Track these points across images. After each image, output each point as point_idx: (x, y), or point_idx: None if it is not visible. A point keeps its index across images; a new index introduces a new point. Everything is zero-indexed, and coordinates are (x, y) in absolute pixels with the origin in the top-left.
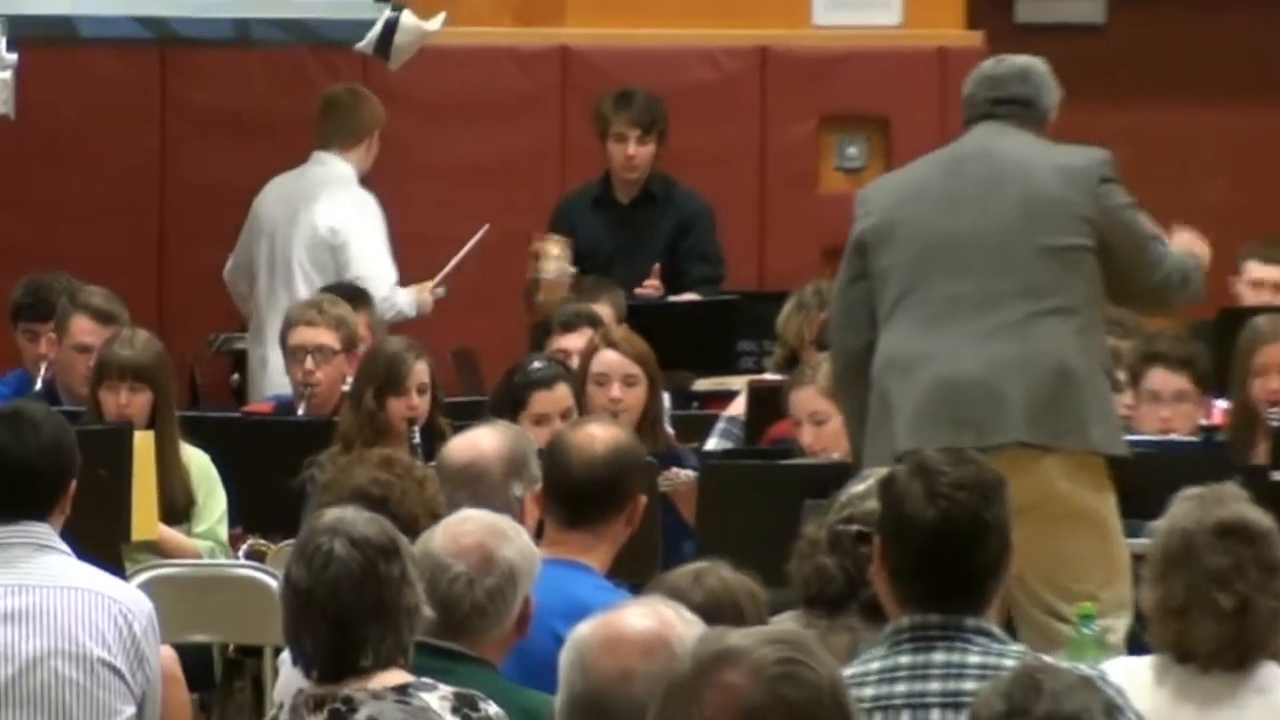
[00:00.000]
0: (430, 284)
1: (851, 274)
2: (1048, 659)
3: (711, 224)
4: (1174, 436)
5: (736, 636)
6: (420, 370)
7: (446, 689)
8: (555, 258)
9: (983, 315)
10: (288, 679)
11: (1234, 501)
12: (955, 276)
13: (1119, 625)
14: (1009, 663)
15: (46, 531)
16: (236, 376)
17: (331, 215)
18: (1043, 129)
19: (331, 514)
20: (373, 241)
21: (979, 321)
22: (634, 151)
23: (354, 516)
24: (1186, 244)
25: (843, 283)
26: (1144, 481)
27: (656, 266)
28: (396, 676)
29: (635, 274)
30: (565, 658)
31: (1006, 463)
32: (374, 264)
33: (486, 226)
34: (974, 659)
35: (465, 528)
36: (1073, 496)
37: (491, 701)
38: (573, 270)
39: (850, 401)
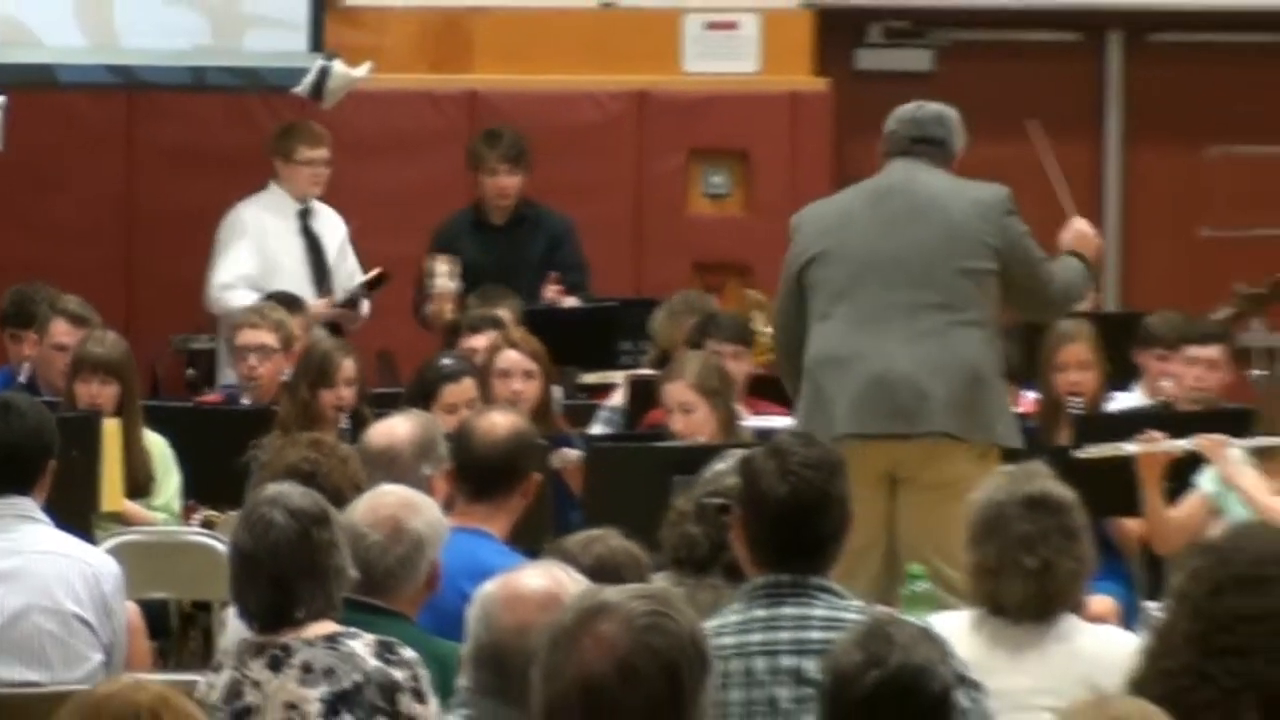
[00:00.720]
0: (325, 302)
1: (789, 289)
2: (883, 609)
3: (576, 238)
4: None
5: (610, 593)
6: (348, 366)
7: (370, 637)
8: (443, 274)
9: (909, 322)
10: (234, 630)
11: (1040, 478)
12: (884, 289)
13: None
14: (849, 615)
15: (29, 504)
16: (191, 371)
17: None
18: (950, 166)
19: (272, 488)
20: (219, 248)
21: (906, 327)
22: (505, 183)
23: (291, 490)
24: (1078, 236)
25: (783, 297)
26: None
27: (552, 275)
28: (326, 627)
29: (513, 285)
30: (471, 612)
31: (928, 448)
32: (213, 266)
33: (379, 269)
34: (819, 612)
35: (381, 501)
36: (976, 480)
37: (408, 647)
38: (454, 286)
39: (791, 380)
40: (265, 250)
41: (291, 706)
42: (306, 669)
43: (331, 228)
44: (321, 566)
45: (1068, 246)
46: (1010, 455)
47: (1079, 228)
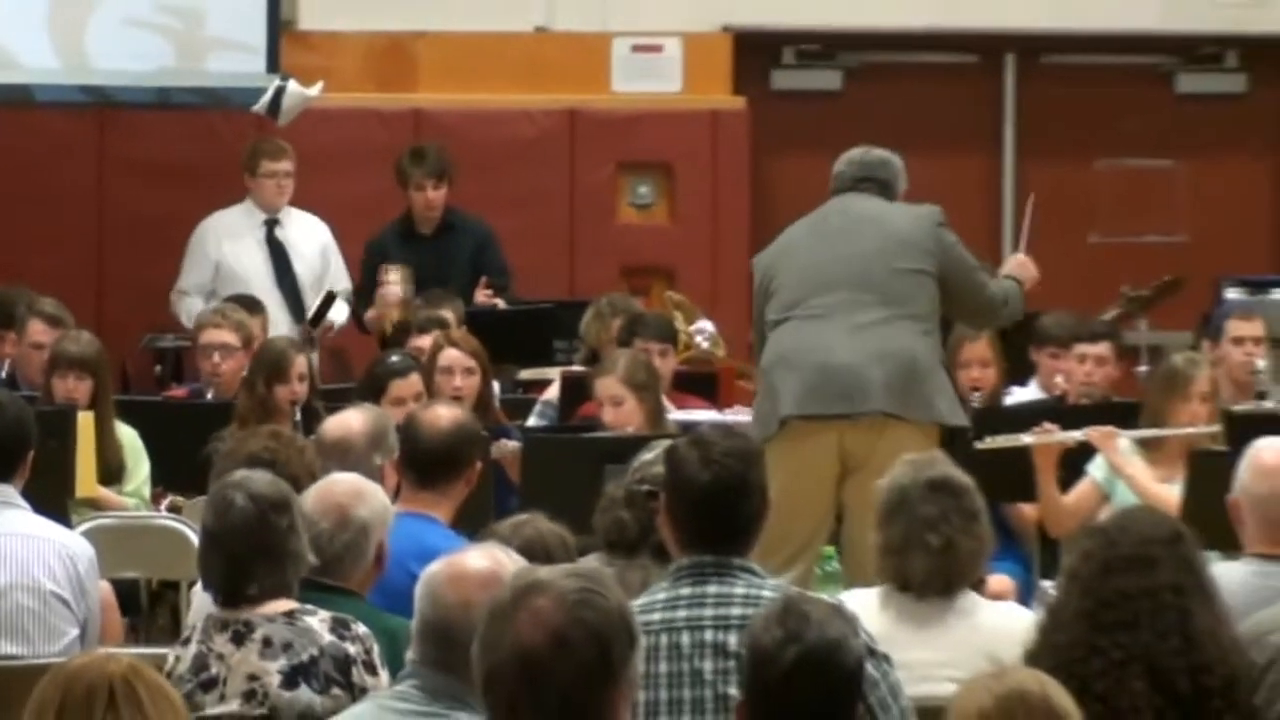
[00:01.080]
0: (303, 329)
1: (759, 319)
2: (798, 590)
3: (498, 244)
4: None
5: (544, 572)
6: (300, 362)
7: (325, 614)
8: (395, 282)
9: (849, 317)
10: (199, 606)
11: (940, 464)
12: (826, 292)
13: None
14: (767, 593)
15: (10, 491)
16: (159, 368)
17: None
18: (890, 199)
19: (241, 472)
20: (185, 257)
21: (846, 322)
22: (432, 196)
23: (257, 476)
24: (1018, 265)
25: (756, 325)
26: None
27: (483, 279)
28: (285, 604)
29: (445, 288)
30: (419, 590)
31: (871, 427)
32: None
33: (327, 290)
34: (740, 590)
35: (329, 490)
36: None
37: (360, 623)
38: (402, 293)
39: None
40: (223, 260)
41: (253, 678)
42: (267, 643)
43: (305, 235)
44: (277, 549)
45: (1007, 273)
46: (953, 438)
47: (1020, 259)
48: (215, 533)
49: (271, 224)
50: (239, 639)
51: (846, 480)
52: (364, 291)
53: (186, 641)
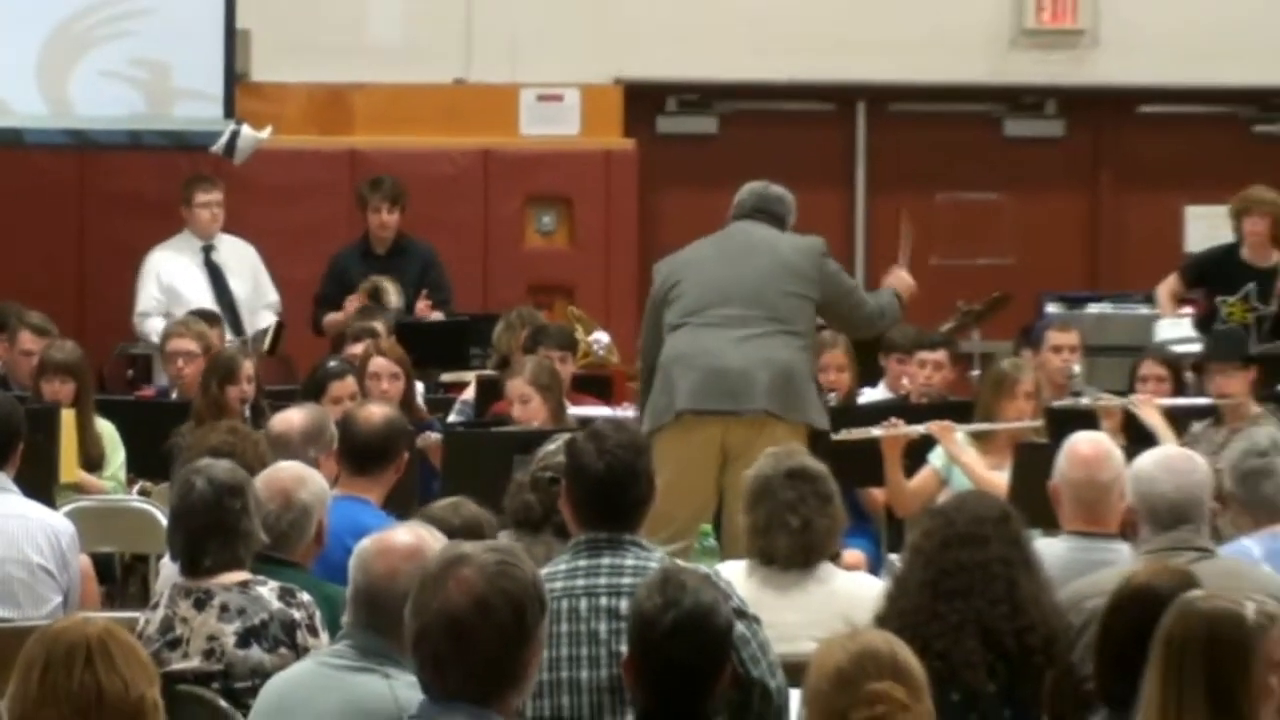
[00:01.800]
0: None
1: (654, 318)
2: (680, 562)
3: (442, 265)
4: None
5: (467, 546)
6: (248, 366)
7: (274, 584)
8: (392, 292)
9: (740, 329)
10: (166, 577)
11: (799, 455)
12: (723, 305)
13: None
14: (653, 564)
15: (3, 478)
16: (131, 372)
17: None
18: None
19: (204, 460)
20: (138, 285)
21: (737, 333)
22: (386, 219)
23: (218, 463)
24: (897, 278)
25: (648, 325)
26: None
27: (424, 292)
28: (240, 575)
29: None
30: (352, 562)
31: (751, 423)
32: (135, 299)
33: (277, 319)
34: (629, 561)
35: (275, 477)
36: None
37: (304, 592)
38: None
39: (646, 386)
40: (170, 285)
41: (212, 638)
42: (224, 608)
43: (238, 258)
44: (229, 528)
45: (888, 285)
46: (816, 436)
47: (900, 273)
48: (178, 512)
49: (208, 249)
50: (200, 605)
51: (727, 468)
52: (325, 299)
53: (155, 607)
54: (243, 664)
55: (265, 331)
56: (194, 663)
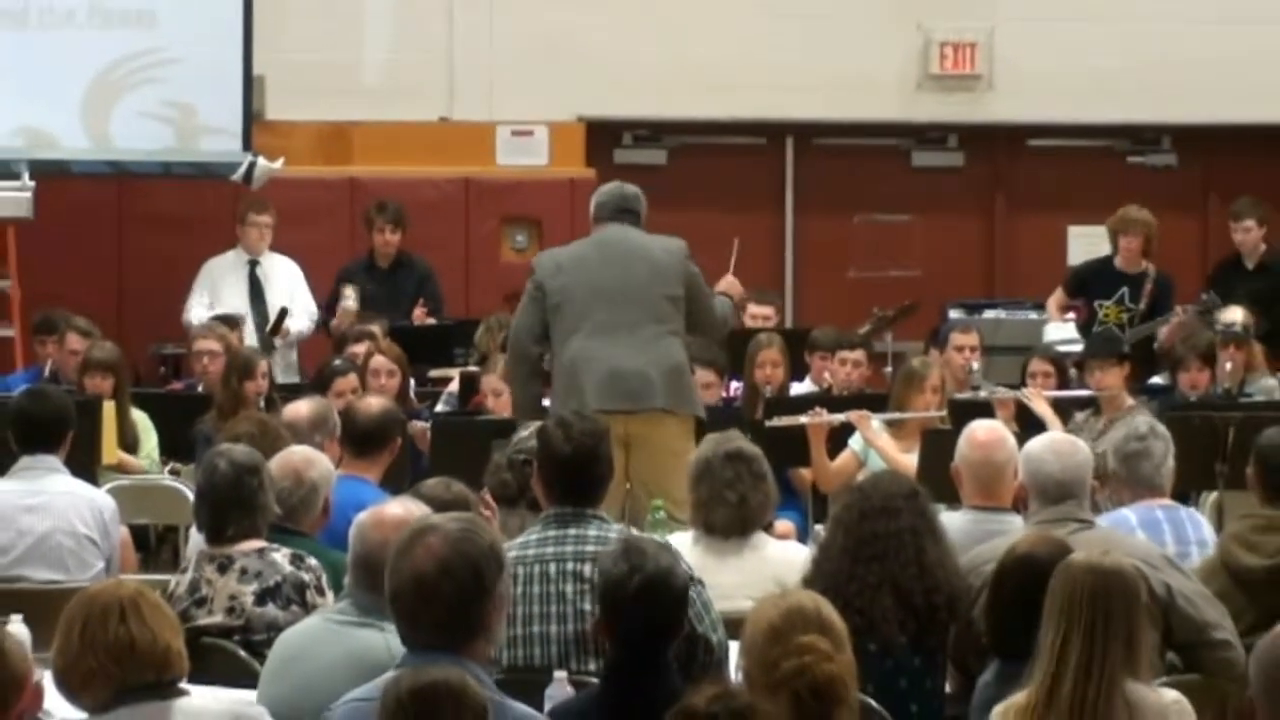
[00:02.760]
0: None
1: (530, 306)
2: (635, 532)
3: (436, 278)
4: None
5: (436, 517)
6: (263, 365)
7: (287, 550)
8: (350, 298)
9: (632, 333)
10: (193, 545)
11: (736, 439)
12: (613, 310)
13: (686, 512)
14: (613, 535)
15: (55, 461)
16: (163, 369)
17: None
18: (642, 227)
19: (225, 445)
20: (192, 289)
21: (631, 337)
22: (389, 238)
23: (237, 447)
24: (729, 284)
25: (527, 310)
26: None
27: (421, 300)
28: (257, 544)
29: (394, 309)
30: (351, 532)
31: (648, 418)
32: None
33: (283, 306)
34: (592, 532)
35: (288, 459)
36: (680, 439)
37: (312, 557)
38: (355, 306)
39: (520, 382)
40: (217, 292)
41: (233, 598)
42: (243, 571)
43: (279, 273)
44: (248, 502)
45: (721, 290)
46: (701, 423)
47: (730, 280)
48: (204, 489)
49: (254, 264)
50: (223, 569)
51: (629, 457)
52: (331, 306)
53: (184, 570)
54: (260, 620)
55: (276, 320)
56: (218, 618)
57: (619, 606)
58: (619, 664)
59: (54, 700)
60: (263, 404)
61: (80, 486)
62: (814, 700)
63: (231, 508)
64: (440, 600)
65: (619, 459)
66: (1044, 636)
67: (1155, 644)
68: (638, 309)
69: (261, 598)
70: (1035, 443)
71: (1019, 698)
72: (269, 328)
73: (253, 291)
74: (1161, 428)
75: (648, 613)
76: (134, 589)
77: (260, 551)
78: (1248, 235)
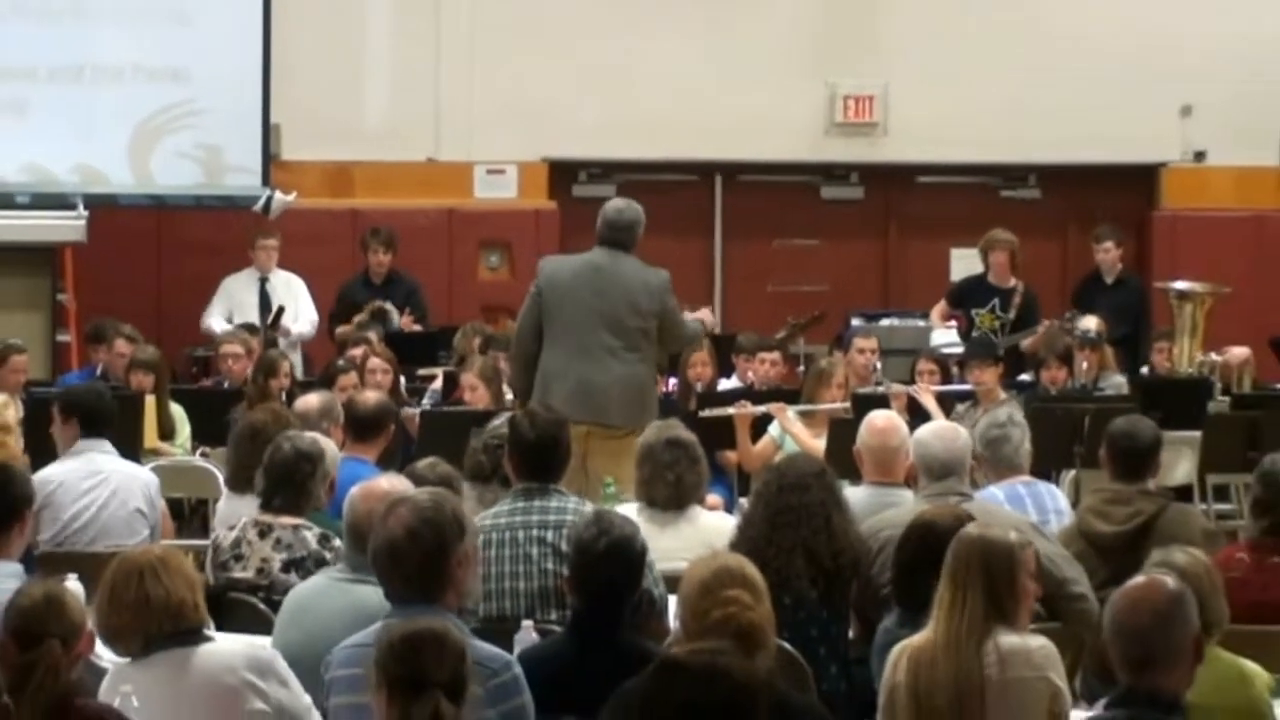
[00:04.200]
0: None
1: (533, 308)
2: (592, 506)
3: (422, 293)
4: None
5: (411, 491)
6: (285, 364)
7: (317, 530)
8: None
9: (603, 355)
10: (221, 515)
11: (675, 428)
12: (592, 332)
13: (631, 490)
14: (570, 506)
15: (107, 445)
16: (195, 368)
17: None
18: (634, 251)
19: (294, 432)
20: (212, 301)
21: (602, 358)
22: (382, 259)
23: (304, 435)
24: (704, 314)
25: (528, 313)
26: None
27: (408, 310)
28: (295, 521)
29: (386, 319)
30: (345, 504)
31: (608, 432)
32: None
33: (280, 305)
34: (553, 504)
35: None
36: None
37: (337, 538)
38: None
39: (519, 371)
40: (232, 304)
41: (264, 560)
42: (278, 541)
43: (285, 288)
44: (299, 484)
45: (697, 316)
46: None
47: (706, 311)
48: (267, 464)
49: (264, 280)
50: (262, 535)
51: (588, 457)
52: (336, 316)
53: (232, 529)
54: (282, 584)
55: (275, 316)
56: (249, 574)
57: (588, 563)
58: (584, 613)
59: (101, 648)
60: (284, 397)
61: (131, 466)
62: (739, 643)
63: (284, 484)
64: (410, 559)
65: (578, 456)
66: (940, 590)
67: None
68: (613, 337)
69: (287, 566)
70: (923, 430)
71: (916, 639)
72: (269, 322)
73: (262, 303)
74: (1019, 416)
75: (611, 570)
76: (156, 555)
77: (295, 528)
78: (1107, 255)
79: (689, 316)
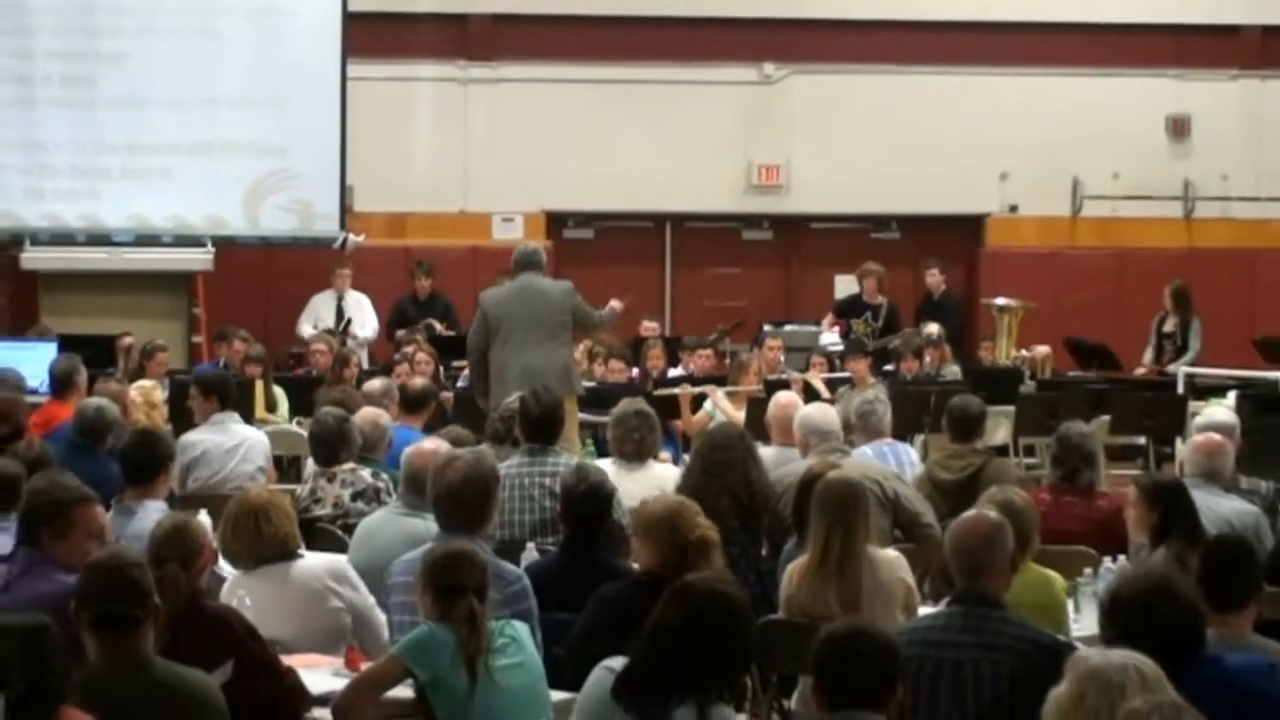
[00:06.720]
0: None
1: (480, 328)
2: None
3: (455, 309)
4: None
5: (459, 450)
6: (355, 358)
7: (368, 469)
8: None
9: (538, 346)
10: (309, 467)
11: (639, 403)
12: (526, 331)
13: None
14: (564, 460)
15: (235, 416)
16: (292, 361)
17: None
18: (545, 273)
19: (328, 408)
20: (303, 314)
21: (537, 347)
22: (424, 284)
23: (336, 410)
24: (614, 303)
25: (477, 332)
26: (605, 399)
27: (445, 322)
28: (350, 465)
29: (428, 329)
30: (402, 458)
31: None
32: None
33: (349, 317)
34: (550, 459)
35: (367, 414)
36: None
37: (384, 473)
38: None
39: (476, 373)
40: (317, 315)
41: (337, 498)
42: (344, 482)
43: (355, 304)
44: (346, 440)
45: (610, 306)
46: (580, 399)
47: (615, 303)
48: (316, 432)
49: (340, 298)
50: (330, 480)
51: None
52: (392, 323)
53: (306, 482)
54: (355, 511)
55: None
56: (328, 511)
57: (572, 502)
58: (571, 537)
59: (222, 562)
60: (355, 382)
61: (254, 431)
62: (704, 556)
63: (334, 443)
64: (464, 501)
65: None
66: (812, 523)
67: (888, 526)
68: (542, 331)
69: (354, 497)
70: (812, 406)
71: (803, 558)
72: (342, 328)
73: (338, 315)
74: (884, 396)
75: (588, 507)
76: (265, 499)
77: (352, 469)
78: (933, 279)
79: (606, 307)
